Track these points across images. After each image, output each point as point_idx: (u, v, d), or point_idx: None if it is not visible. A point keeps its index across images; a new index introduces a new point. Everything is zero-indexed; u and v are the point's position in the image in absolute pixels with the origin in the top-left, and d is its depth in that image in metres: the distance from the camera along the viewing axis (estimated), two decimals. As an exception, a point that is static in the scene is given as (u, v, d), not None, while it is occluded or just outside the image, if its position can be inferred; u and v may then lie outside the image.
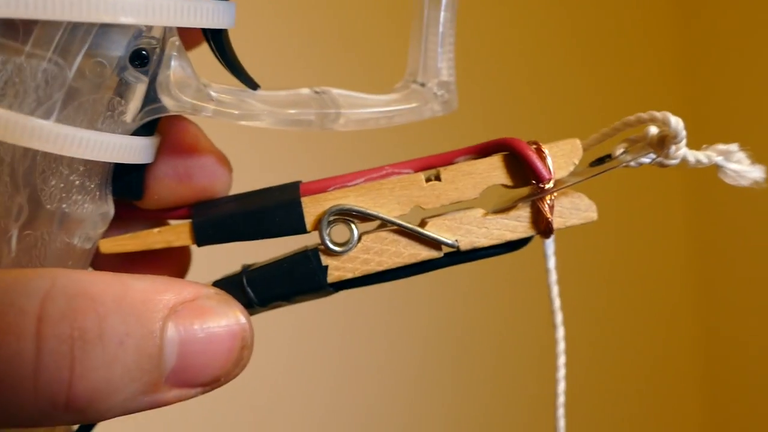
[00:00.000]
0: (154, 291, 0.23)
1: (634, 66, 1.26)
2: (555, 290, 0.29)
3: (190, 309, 0.23)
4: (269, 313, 0.27)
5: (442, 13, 0.27)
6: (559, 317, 0.29)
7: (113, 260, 0.28)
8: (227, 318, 0.24)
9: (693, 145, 0.28)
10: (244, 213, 0.26)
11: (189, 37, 0.26)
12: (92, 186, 0.25)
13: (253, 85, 0.26)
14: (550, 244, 0.29)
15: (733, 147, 0.27)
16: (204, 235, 0.26)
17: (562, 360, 0.29)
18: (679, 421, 1.29)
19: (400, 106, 0.27)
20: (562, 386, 0.29)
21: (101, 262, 0.27)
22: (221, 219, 0.26)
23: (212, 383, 0.24)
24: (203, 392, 0.24)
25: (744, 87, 1.17)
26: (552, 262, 0.29)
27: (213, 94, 0.25)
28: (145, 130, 0.25)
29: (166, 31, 0.24)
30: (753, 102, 1.16)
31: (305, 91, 0.27)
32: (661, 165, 0.27)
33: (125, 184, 0.26)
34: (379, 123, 0.28)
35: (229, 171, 0.28)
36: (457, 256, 0.27)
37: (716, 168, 0.27)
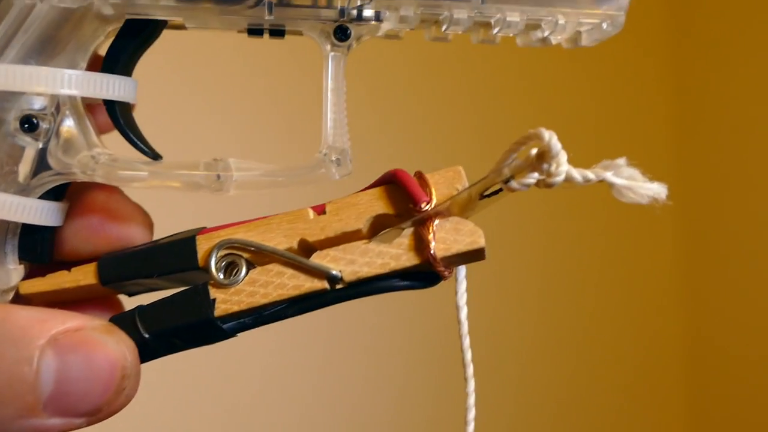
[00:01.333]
0: (35, 319, 0.24)
1: (626, 72, 1.24)
2: (465, 328, 0.28)
3: (71, 338, 0.24)
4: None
5: (329, 95, 0.28)
6: (470, 370, 0.28)
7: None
8: (108, 348, 0.24)
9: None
10: (144, 250, 0.28)
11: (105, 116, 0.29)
12: None
13: (154, 156, 0.29)
14: (461, 270, 0.28)
15: (621, 161, 0.26)
16: (107, 273, 0.28)
17: (471, 415, 0.28)
18: (664, 423, 1.28)
19: (289, 171, 0.28)
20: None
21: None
22: (123, 257, 0.28)
23: (94, 413, 0.24)
24: (88, 423, 0.25)
25: (735, 91, 1.18)
26: (463, 298, 0.28)
27: (102, 159, 0.27)
28: (51, 195, 0.28)
29: (60, 101, 0.27)
30: (745, 106, 1.16)
31: (203, 159, 0.29)
32: (548, 185, 0.26)
33: (30, 246, 0.28)
34: (269, 184, 0.28)
35: (146, 224, 0.30)
36: (350, 289, 0.27)
37: (609, 186, 0.26)
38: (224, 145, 0.98)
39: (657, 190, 0.26)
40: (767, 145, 1.13)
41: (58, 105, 0.27)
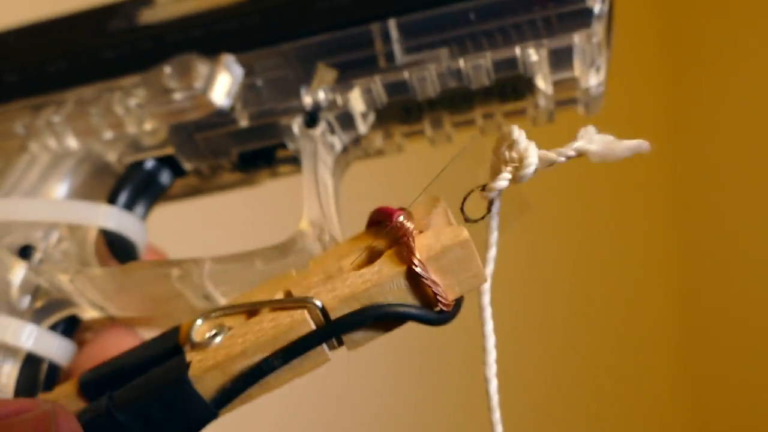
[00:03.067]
0: None
1: (620, 70, 0.94)
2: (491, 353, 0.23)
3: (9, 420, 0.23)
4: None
5: (310, 186, 0.29)
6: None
7: None
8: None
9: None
10: (127, 351, 0.26)
11: None
12: None
13: None
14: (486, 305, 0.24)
15: (589, 128, 0.24)
16: (86, 377, 0.26)
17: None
18: (660, 423, 1.26)
19: (269, 259, 0.28)
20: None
21: None
22: (105, 361, 0.26)
23: None
24: None
25: (730, 90, 1.15)
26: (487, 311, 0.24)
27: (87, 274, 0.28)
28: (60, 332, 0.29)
29: (59, 232, 0.29)
30: (740, 105, 1.13)
31: None
32: (522, 176, 0.24)
33: (26, 379, 0.27)
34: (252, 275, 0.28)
35: None
36: (337, 322, 0.24)
37: (587, 155, 0.24)
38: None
39: (636, 144, 0.24)
40: (763, 145, 1.09)
41: (53, 236, 0.29)
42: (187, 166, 0.31)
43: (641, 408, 1.27)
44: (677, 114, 1.28)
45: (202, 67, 0.28)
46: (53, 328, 0.28)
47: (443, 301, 0.24)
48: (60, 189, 0.30)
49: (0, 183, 0.30)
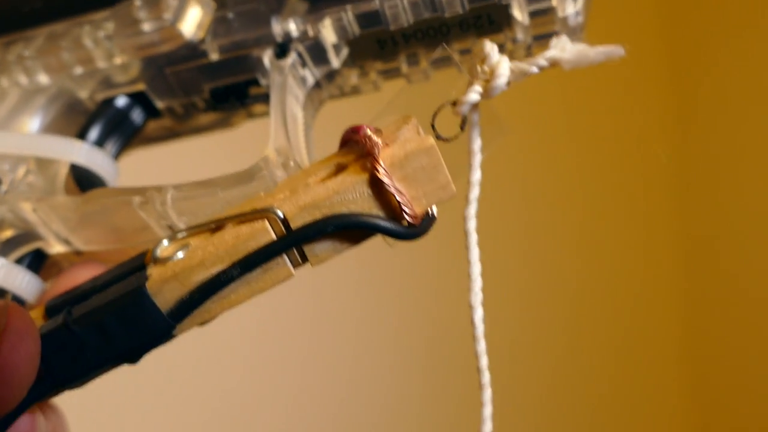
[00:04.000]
0: None
1: (623, 67, 0.90)
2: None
3: None
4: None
5: (276, 113, 0.28)
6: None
7: None
8: None
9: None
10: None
11: None
12: None
13: None
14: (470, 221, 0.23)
15: (562, 38, 0.24)
16: (53, 301, 0.25)
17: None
18: (662, 423, 1.25)
19: (233, 187, 0.27)
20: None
21: None
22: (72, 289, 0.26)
23: None
24: None
25: (735, 89, 1.14)
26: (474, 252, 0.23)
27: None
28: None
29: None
30: (745, 103, 1.13)
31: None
32: (494, 88, 0.24)
33: None
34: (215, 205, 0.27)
35: None
36: (298, 231, 0.23)
37: (560, 63, 0.23)
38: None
39: (610, 50, 0.23)
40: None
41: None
42: (159, 104, 0.30)
43: (644, 406, 1.25)
44: (681, 112, 1.26)
45: None
46: (18, 262, 0.28)
47: (409, 211, 0.23)
48: (31, 124, 0.30)
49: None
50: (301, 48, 0.28)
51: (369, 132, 0.24)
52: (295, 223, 0.23)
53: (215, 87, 0.30)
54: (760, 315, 1.13)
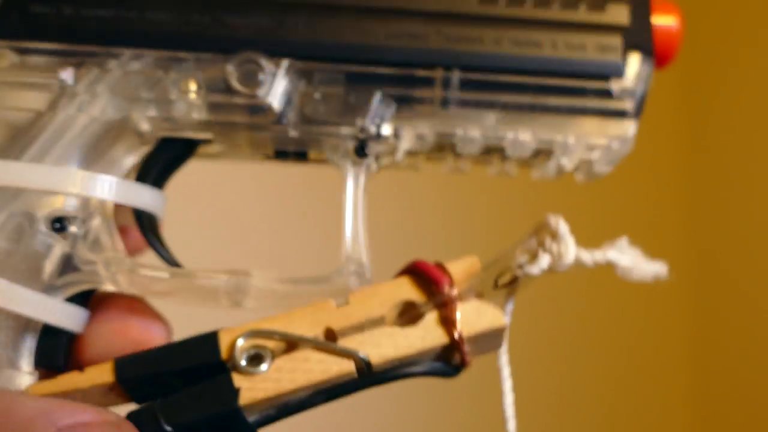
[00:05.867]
0: (40, 410, 0.23)
1: None
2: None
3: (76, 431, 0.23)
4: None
5: (350, 209, 0.30)
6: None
7: None
8: None
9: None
10: (164, 347, 0.28)
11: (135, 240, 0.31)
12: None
13: (174, 264, 0.30)
14: (504, 364, 0.28)
15: (623, 242, 0.28)
16: (125, 370, 0.27)
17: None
18: (667, 425, 1.26)
19: (309, 282, 0.29)
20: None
21: None
22: (142, 354, 0.27)
23: None
24: None
25: (745, 99, 1.16)
26: (508, 384, 0.28)
27: (127, 261, 0.28)
28: (75, 302, 0.28)
29: (92, 207, 0.28)
30: (755, 114, 1.14)
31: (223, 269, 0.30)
32: (560, 266, 0.28)
33: (48, 351, 0.28)
34: (289, 295, 0.29)
35: (167, 330, 0.30)
36: (376, 375, 0.27)
37: (614, 267, 0.28)
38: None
39: (658, 269, 0.28)
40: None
41: (90, 211, 0.28)
42: (218, 148, 0.30)
43: (653, 410, 1.28)
44: (693, 119, 1.26)
45: (266, 71, 0.27)
46: (71, 298, 0.28)
47: (468, 364, 0.28)
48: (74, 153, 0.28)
49: (22, 141, 0.27)
50: (378, 147, 0.29)
51: (447, 288, 0.27)
52: (376, 368, 0.27)
53: (281, 149, 0.30)
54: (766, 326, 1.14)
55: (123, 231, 0.30)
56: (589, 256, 0.28)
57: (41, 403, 0.24)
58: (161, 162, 0.29)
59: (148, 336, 0.29)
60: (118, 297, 0.30)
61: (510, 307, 0.30)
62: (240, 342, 0.27)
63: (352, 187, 0.29)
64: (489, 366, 0.30)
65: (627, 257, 0.28)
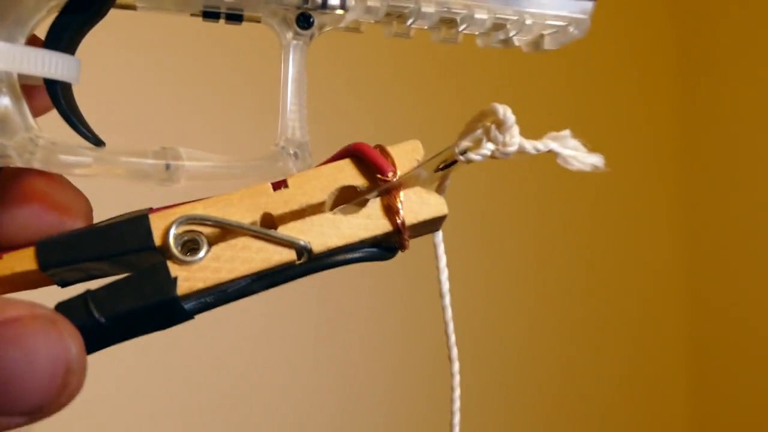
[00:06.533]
0: None
1: (631, 73, 1.24)
2: (446, 287, 0.29)
3: (8, 331, 0.22)
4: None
5: (290, 85, 0.29)
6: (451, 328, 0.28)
7: None
8: (49, 339, 0.22)
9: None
10: (90, 231, 0.26)
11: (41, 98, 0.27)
12: None
13: (96, 142, 0.27)
14: (439, 242, 0.29)
15: (566, 133, 0.28)
16: (48, 257, 0.25)
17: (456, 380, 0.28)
18: (665, 424, 1.26)
19: (245, 162, 0.28)
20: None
21: None
22: (67, 239, 0.26)
23: (35, 411, 0.22)
24: (29, 421, 0.22)
25: (742, 92, 1.19)
26: (443, 261, 0.29)
27: (41, 142, 0.25)
28: None
29: None
30: (751, 107, 1.17)
31: (151, 147, 0.28)
32: (502, 154, 0.27)
33: None
34: (223, 176, 0.28)
35: (88, 213, 0.28)
36: (316, 262, 0.26)
37: (554, 155, 0.28)
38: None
39: (597, 160, 0.28)
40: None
41: None
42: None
43: (648, 407, 1.28)
44: (689, 112, 1.22)
45: None
46: None
47: (406, 248, 0.28)
48: None
49: None
50: (322, 17, 0.27)
51: (391, 176, 0.27)
52: (317, 255, 0.26)
53: (212, 10, 0.27)
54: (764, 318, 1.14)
55: (28, 91, 0.26)
56: (530, 145, 0.28)
57: None
58: (73, 24, 0.26)
59: (68, 215, 0.27)
60: (33, 176, 0.27)
61: (444, 187, 0.29)
62: (173, 228, 0.26)
63: (293, 59, 0.27)
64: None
65: (568, 148, 0.28)
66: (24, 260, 0.25)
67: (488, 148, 0.27)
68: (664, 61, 1.29)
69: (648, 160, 1.24)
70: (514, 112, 0.27)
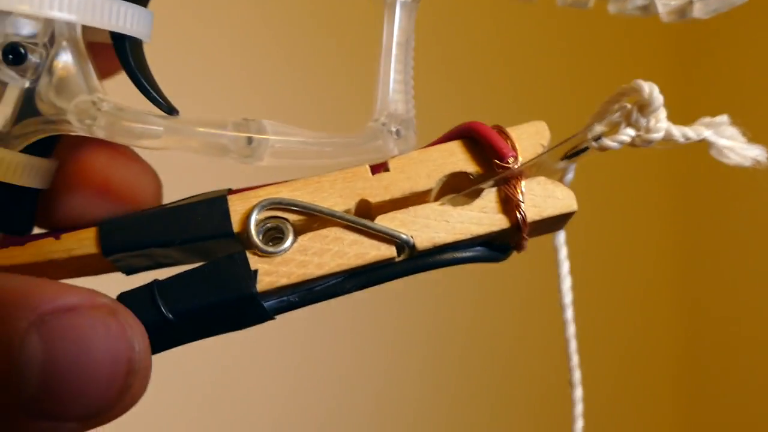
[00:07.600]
0: (18, 291, 0.18)
1: (628, 67, 1.17)
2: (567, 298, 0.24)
3: (63, 320, 0.18)
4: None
5: (394, 50, 0.25)
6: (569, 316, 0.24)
7: None
8: (110, 334, 0.19)
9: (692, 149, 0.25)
10: (159, 213, 0.22)
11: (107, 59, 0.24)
12: None
13: (169, 110, 0.23)
14: (562, 244, 0.25)
15: (722, 119, 0.23)
16: (112, 241, 0.22)
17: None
18: (655, 424, 1.24)
19: (339, 140, 0.24)
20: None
21: None
22: (133, 221, 0.22)
23: (90, 416, 0.19)
24: (80, 429, 0.19)
25: (738, 91, 1.14)
26: (565, 267, 0.25)
27: (106, 106, 0.22)
28: (36, 149, 0.22)
29: (56, 30, 0.22)
30: (748, 108, 1.11)
31: (231, 118, 0.24)
32: (645, 142, 0.23)
33: (6, 213, 0.22)
34: (313, 154, 0.24)
35: (156, 179, 0.24)
36: (418, 260, 0.22)
37: (707, 145, 0.23)
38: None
39: (759, 152, 0.23)
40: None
41: (52, 35, 0.22)
42: None
43: (638, 407, 1.25)
44: (684, 116, 1.22)
45: None
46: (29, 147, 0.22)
47: (523, 249, 0.24)
48: None
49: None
50: None
51: (512, 161, 0.22)
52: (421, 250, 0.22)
53: None
54: (760, 322, 1.12)
55: (94, 50, 0.23)
56: (679, 132, 0.23)
57: (17, 283, 0.19)
58: None
59: (135, 192, 0.23)
60: (95, 151, 0.24)
61: (567, 180, 0.25)
62: (255, 213, 0.22)
63: (399, 19, 0.23)
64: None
65: (724, 137, 0.23)
66: (84, 243, 0.22)
67: (628, 133, 0.23)
68: (664, 61, 1.24)
69: (640, 160, 1.18)
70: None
